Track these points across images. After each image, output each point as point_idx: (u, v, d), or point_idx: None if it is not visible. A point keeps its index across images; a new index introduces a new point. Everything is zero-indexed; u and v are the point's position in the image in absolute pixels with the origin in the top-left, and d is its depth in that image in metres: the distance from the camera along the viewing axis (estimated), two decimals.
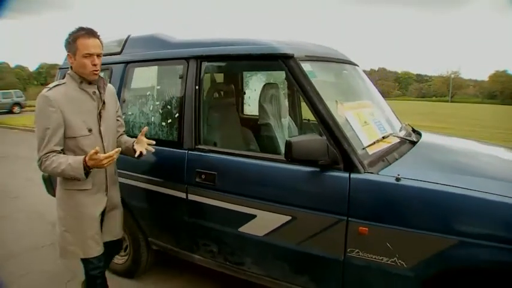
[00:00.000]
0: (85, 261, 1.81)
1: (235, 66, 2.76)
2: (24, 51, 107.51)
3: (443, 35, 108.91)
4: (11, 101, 20.05)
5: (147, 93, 2.41)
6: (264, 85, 2.49)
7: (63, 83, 1.69)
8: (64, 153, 1.65)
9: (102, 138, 1.73)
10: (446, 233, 1.38)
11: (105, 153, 1.65)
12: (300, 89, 1.70)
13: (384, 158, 1.68)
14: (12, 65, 56.85)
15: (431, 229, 1.41)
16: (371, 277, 1.58)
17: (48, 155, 1.61)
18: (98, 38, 1.68)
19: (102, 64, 2.68)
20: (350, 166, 1.56)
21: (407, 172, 1.53)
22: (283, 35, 2.10)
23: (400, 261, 1.48)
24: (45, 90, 1.65)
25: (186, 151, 2.03)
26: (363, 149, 1.65)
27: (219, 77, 3.02)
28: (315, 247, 1.66)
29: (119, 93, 2.40)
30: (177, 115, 2.11)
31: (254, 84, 3.27)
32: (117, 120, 1.90)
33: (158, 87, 2.36)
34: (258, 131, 2.41)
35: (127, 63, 2.40)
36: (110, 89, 1.87)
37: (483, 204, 1.36)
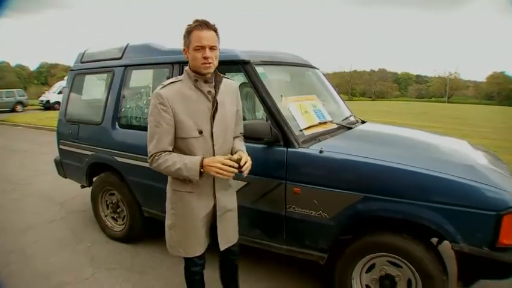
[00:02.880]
0: (186, 258, 1.82)
1: None
2: (24, 50, 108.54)
3: (444, 35, 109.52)
4: (13, 99, 20.34)
5: (142, 91, 2.97)
6: (240, 84, 3.02)
7: (180, 80, 1.62)
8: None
9: (213, 141, 1.62)
10: (354, 191, 1.91)
11: (214, 155, 1.61)
12: (253, 86, 2.24)
13: (317, 138, 2.21)
14: (12, 64, 57.60)
15: (343, 188, 1.93)
16: (305, 227, 2.10)
17: (160, 153, 1.59)
18: (213, 30, 1.56)
19: (106, 67, 3.23)
20: (288, 143, 2.09)
21: (330, 147, 2.06)
22: (262, 45, 2.62)
23: (324, 213, 2.01)
24: (159, 87, 1.60)
25: None
26: (300, 130, 2.18)
27: None
28: (264, 205, 2.20)
29: (119, 91, 2.96)
30: None
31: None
32: (237, 120, 1.79)
33: (150, 86, 2.92)
34: None
35: (126, 66, 2.96)
36: (231, 86, 1.74)
37: (377, 168, 1.88)
